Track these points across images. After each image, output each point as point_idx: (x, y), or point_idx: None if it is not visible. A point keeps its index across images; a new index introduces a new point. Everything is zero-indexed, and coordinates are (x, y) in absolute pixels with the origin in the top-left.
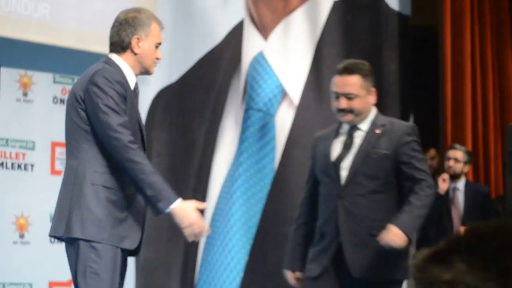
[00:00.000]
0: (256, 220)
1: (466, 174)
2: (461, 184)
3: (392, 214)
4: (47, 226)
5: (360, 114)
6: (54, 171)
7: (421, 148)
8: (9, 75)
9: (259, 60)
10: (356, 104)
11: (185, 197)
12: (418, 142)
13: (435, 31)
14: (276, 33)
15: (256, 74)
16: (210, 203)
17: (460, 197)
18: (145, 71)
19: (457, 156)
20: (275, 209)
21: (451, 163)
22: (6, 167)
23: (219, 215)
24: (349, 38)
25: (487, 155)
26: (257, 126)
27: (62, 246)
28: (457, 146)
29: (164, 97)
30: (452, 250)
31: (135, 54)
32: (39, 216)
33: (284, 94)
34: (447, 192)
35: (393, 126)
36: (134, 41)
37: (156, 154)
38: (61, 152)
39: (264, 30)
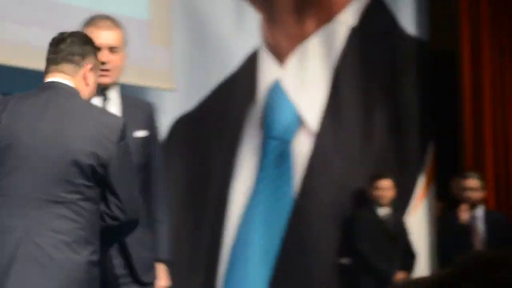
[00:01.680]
0: (276, 249)
1: (485, 200)
2: (480, 212)
3: None
4: None
5: None
6: None
7: None
8: None
9: (276, 87)
10: None
11: (203, 227)
12: None
13: (454, 56)
14: (292, 60)
15: (272, 102)
16: (229, 232)
17: (480, 226)
18: None
19: (472, 185)
20: (295, 238)
21: (469, 193)
22: None
23: (239, 245)
24: (367, 63)
25: (509, 180)
26: (274, 154)
27: None
28: (470, 174)
29: (180, 125)
30: (460, 277)
31: None
32: None
33: (301, 121)
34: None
35: None
36: None
37: (173, 184)
38: None
39: (280, 56)
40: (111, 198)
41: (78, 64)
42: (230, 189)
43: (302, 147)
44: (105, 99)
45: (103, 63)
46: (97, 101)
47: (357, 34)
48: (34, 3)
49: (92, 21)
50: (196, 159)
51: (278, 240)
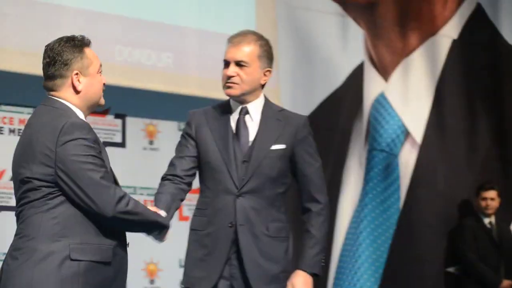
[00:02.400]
0: (384, 260)
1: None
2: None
3: None
4: (177, 272)
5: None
6: (182, 218)
7: None
8: (135, 124)
9: (381, 101)
10: None
11: None
12: None
13: None
14: (397, 74)
15: (378, 115)
16: (337, 245)
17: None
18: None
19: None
20: (402, 248)
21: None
22: None
23: (346, 256)
24: (469, 75)
25: None
26: (381, 167)
27: None
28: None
29: None
30: None
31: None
32: (168, 262)
33: (406, 134)
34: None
35: None
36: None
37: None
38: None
39: (384, 71)
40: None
41: (60, 77)
42: (337, 202)
43: (407, 159)
44: (244, 112)
45: (228, 77)
46: (234, 114)
47: (460, 46)
48: (150, 27)
49: (230, 37)
50: None
51: (385, 251)
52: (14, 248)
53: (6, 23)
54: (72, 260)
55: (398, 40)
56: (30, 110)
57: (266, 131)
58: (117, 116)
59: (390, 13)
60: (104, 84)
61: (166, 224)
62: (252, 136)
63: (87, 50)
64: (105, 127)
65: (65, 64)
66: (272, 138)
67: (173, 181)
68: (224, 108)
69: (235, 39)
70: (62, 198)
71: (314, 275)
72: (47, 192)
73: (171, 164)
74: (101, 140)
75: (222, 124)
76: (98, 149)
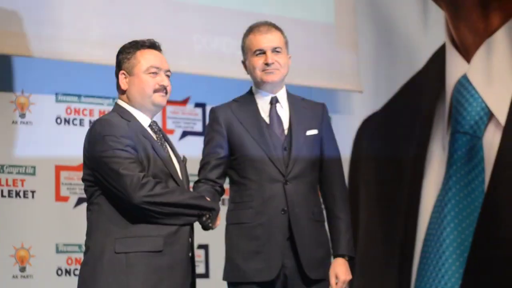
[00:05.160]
0: (468, 244)
1: None
2: None
3: None
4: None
5: None
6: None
7: None
8: None
9: (463, 83)
10: None
11: (395, 224)
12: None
13: None
14: (479, 55)
15: (461, 97)
16: (421, 229)
17: None
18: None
19: None
20: (487, 231)
21: None
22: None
23: (431, 240)
24: None
25: None
26: (464, 150)
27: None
28: None
29: (369, 125)
30: None
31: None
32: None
33: (490, 115)
34: None
35: None
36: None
37: (364, 183)
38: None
39: (466, 53)
40: None
41: (116, 77)
42: (421, 185)
43: (491, 140)
44: (275, 101)
45: (267, 64)
46: (263, 104)
47: None
48: (228, 15)
49: (253, 27)
50: (386, 158)
51: (470, 235)
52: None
53: (87, 15)
54: (117, 253)
55: (480, 21)
56: (111, 101)
57: (299, 118)
58: (197, 105)
59: None
60: (161, 85)
61: (210, 207)
62: (286, 123)
63: (141, 52)
64: (185, 116)
65: (117, 65)
66: (306, 124)
67: (207, 183)
68: (248, 100)
69: (263, 28)
70: (102, 196)
71: (351, 258)
72: (91, 192)
73: (205, 166)
74: (182, 129)
75: (252, 115)
76: (124, 142)
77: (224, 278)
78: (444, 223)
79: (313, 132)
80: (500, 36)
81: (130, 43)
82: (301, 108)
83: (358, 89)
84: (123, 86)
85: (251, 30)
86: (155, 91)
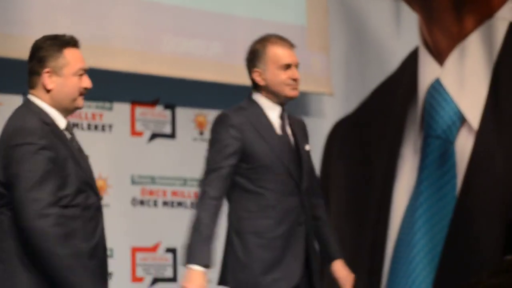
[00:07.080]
0: (440, 249)
1: None
2: None
3: None
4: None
5: None
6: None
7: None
8: (185, 115)
9: (436, 87)
10: None
11: (366, 228)
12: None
13: None
14: (452, 59)
15: (433, 101)
16: (392, 233)
17: None
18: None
19: None
20: (459, 237)
21: None
22: None
23: (402, 245)
24: None
25: None
26: (436, 154)
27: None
28: None
29: (340, 129)
30: None
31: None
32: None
33: (462, 120)
34: None
35: None
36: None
37: (335, 187)
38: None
39: (440, 56)
40: None
41: (35, 73)
42: (392, 190)
43: (464, 145)
44: (283, 114)
45: (295, 79)
46: (271, 115)
47: None
48: (199, 16)
49: (276, 40)
50: (357, 161)
51: (442, 240)
52: None
53: (55, 14)
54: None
55: (454, 24)
56: None
57: (298, 133)
58: (167, 106)
59: None
60: (85, 88)
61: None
62: (291, 137)
63: (68, 50)
64: (155, 118)
65: (39, 61)
66: (303, 139)
67: (218, 205)
68: (257, 109)
69: (286, 42)
70: None
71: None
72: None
73: (219, 177)
74: (151, 131)
75: (267, 127)
76: (47, 154)
77: (233, 286)
78: (415, 228)
79: (308, 147)
80: (473, 39)
81: (51, 37)
82: (296, 122)
83: (330, 92)
84: (49, 86)
85: (274, 42)
86: (80, 94)
